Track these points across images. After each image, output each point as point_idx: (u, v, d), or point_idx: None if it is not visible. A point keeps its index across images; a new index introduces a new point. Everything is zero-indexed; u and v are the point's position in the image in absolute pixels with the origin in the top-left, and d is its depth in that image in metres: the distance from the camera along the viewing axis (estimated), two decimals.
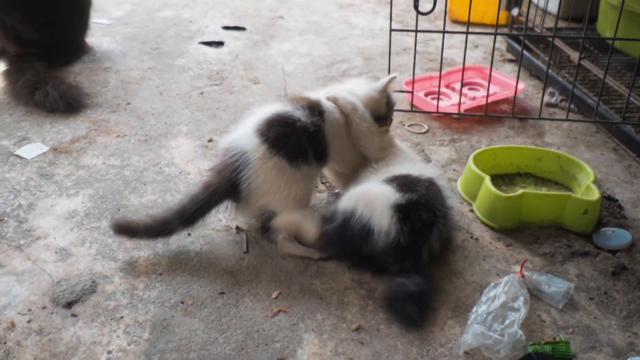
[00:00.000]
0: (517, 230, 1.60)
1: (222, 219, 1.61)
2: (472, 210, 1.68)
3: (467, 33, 1.99)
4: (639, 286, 1.41)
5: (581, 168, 1.72)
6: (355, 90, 1.61)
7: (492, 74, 2.30)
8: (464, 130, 2.15)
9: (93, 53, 2.76)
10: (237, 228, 1.58)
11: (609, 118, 2.08)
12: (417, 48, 2.15)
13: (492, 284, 1.34)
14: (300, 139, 1.42)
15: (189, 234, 1.54)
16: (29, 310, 1.29)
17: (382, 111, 1.63)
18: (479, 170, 1.67)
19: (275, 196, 1.42)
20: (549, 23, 2.81)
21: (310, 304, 1.33)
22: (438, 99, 2.18)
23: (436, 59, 2.79)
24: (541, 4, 2.68)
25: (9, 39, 2.43)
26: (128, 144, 1.98)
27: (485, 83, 2.28)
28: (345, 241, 1.37)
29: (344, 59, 2.78)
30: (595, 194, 1.56)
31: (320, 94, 1.56)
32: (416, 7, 1.94)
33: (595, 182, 1.64)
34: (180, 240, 1.52)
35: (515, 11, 3.01)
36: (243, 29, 3.18)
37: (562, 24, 2.98)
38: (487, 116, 2.18)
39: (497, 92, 2.37)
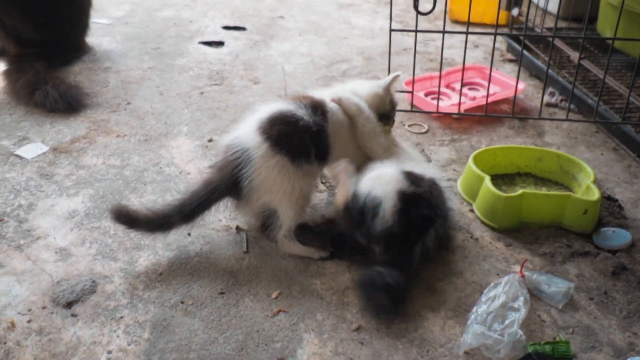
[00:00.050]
0: (517, 230, 1.60)
1: (222, 219, 1.61)
2: (472, 210, 1.68)
3: (467, 33, 1.99)
4: (639, 286, 1.41)
5: (581, 168, 1.72)
6: (359, 89, 1.63)
7: (492, 74, 2.31)
8: (464, 130, 2.15)
9: (93, 53, 2.76)
10: (237, 228, 1.58)
11: (609, 118, 2.08)
12: (417, 48, 2.15)
13: (492, 284, 1.34)
14: (302, 137, 1.43)
15: (189, 234, 1.54)
16: (29, 310, 1.29)
17: (386, 109, 1.65)
18: (479, 170, 1.67)
19: (277, 194, 1.42)
20: (549, 23, 2.81)
21: (310, 304, 1.33)
22: (438, 99, 2.18)
23: (436, 59, 2.79)
24: (541, 4, 2.68)
25: (9, 39, 2.44)
26: (128, 144, 1.99)
27: (485, 83, 2.28)
28: (361, 220, 1.37)
29: (344, 59, 2.78)
30: (595, 194, 1.56)
31: (324, 95, 1.56)
32: (416, 7, 1.94)
33: (595, 182, 1.64)
34: (180, 240, 1.52)
35: (515, 11, 3.01)
36: (243, 29, 3.18)
37: (562, 24, 2.98)
38: (487, 116, 2.18)
39: (497, 92, 2.37)
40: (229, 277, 1.41)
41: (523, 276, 1.38)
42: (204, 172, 1.76)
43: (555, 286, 1.36)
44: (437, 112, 2.18)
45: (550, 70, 2.31)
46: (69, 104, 2.19)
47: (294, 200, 1.43)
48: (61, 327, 1.25)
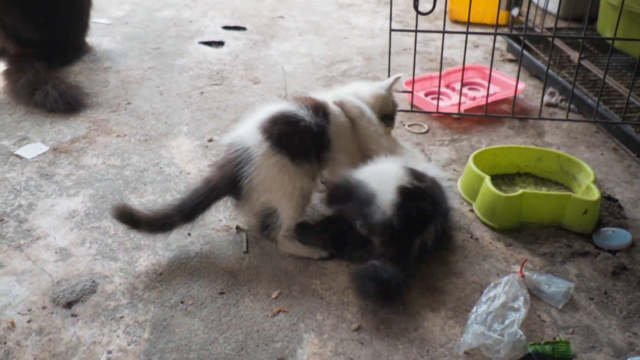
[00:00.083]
0: (517, 230, 1.60)
1: (222, 219, 1.61)
2: (472, 210, 1.68)
3: (467, 33, 1.99)
4: (639, 286, 1.41)
5: (581, 168, 1.72)
6: (361, 91, 1.65)
7: (492, 74, 2.31)
8: (464, 130, 2.15)
9: (93, 53, 2.76)
10: (237, 228, 1.58)
11: (609, 118, 2.08)
12: (417, 48, 2.15)
13: (492, 284, 1.34)
14: (303, 138, 1.43)
15: (189, 234, 1.54)
16: (29, 310, 1.29)
17: (390, 110, 1.68)
18: (479, 170, 1.67)
19: (277, 193, 1.42)
20: (549, 23, 2.81)
21: (310, 304, 1.33)
22: (438, 99, 2.18)
23: (436, 59, 2.79)
24: (541, 4, 2.68)
25: (9, 39, 2.44)
26: (128, 144, 1.99)
27: (485, 83, 2.28)
28: (349, 201, 1.40)
29: (344, 59, 2.78)
30: (595, 194, 1.56)
31: (327, 97, 1.57)
32: (416, 7, 1.94)
33: (595, 182, 1.64)
34: (180, 240, 1.52)
35: (515, 11, 3.01)
36: (243, 28, 3.18)
37: (562, 24, 2.98)
38: (487, 116, 2.18)
39: (497, 92, 2.37)
40: (229, 277, 1.41)
41: (523, 276, 1.38)
42: (205, 171, 1.76)
43: (555, 286, 1.36)
44: (437, 112, 2.18)
45: (550, 70, 2.31)
46: (69, 104, 2.19)
47: (294, 199, 1.43)
48: (61, 327, 1.25)
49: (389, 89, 1.68)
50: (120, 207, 1.40)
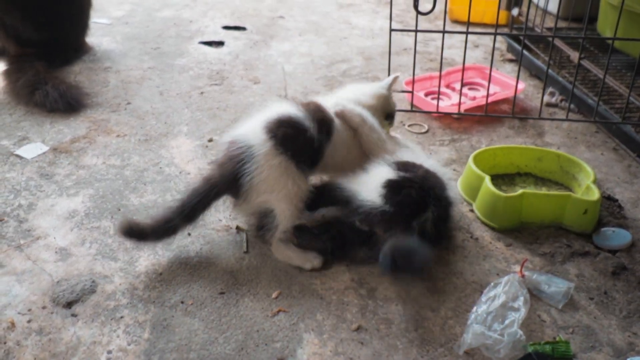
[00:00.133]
0: (517, 230, 1.60)
1: (222, 219, 1.61)
2: (472, 210, 1.68)
3: (467, 33, 1.99)
4: (639, 286, 1.41)
5: (581, 168, 1.72)
6: (363, 92, 1.66)
7: (492, 73, 2.31)
8: (464, 130, 2.15)
9: (93, 53, 2.76)
10: (237, 228, 1.58)
11: (609, 118, 2.08)
12: (417, 48, 2.15)
13: (492, 283, 1.34)
14: (305, 145, 1.45)
15: (189, 234, 1.54)
16: (29, 310, 1.29)
17: (391, 109, 1.70)
18: (479, 170, 1.67)
19: (276, 194, 1.42)
20: (549, 23, 2.81)
21: (310, 304, 1.33)
22: (438, 99, 2.18)
23: (436, 59, 2.79)
24: (541, 4, 2.68)
25: (9, 39, 2.44)
26: (128, 144, 1.99)
27: (485, 83, 2.28)
28: (332, 204, 1.47)
29: (344, 59, 2.78)
30: (595, 194, 1.56)
31: (329, 103, 1.58)
32: (416, 7, 1.94)
33: (595, 182, 1.64)
34: (180, 240, 1.52)
35: (515, 11, 3.01)
36: (243, 28, 3.18)
37: (562, 24, 2.98)
38: (487, 116, 2.18)
39: (497, 92, 2.37)
40: (229, 277, 1.41)
41: (523, 276, 1.38)
42: (205, 170, 1.76)
43: (555, 286, 1.36)
44: (437, 112, 2.18)
45: (550, 70, 2.31)
46: (69, 103, 2.18)
47: (292, 201, 1.43)
48: (61, 327, 1.25)
49: (389, 89, 1.70)
50: (125, 224, 1.39)
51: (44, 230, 1.55)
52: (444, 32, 2.03)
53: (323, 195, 1.50)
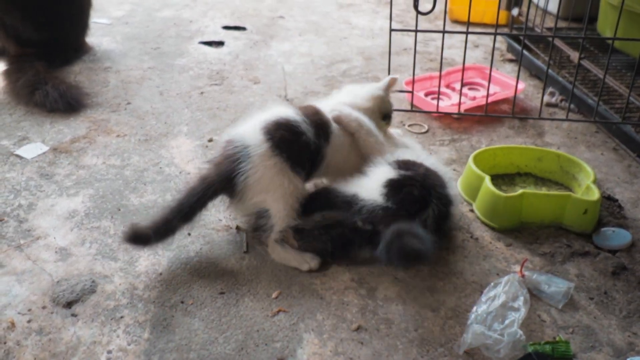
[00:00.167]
0: (517, 230, 1.60)
1: (222, 219, 1.61)
2: (472, 210, 1.68)
3: (467, 33, 1.99)
4: (639, 286, 1.41)
5: (581, 168, 1.72)
6: (359, 94, 1.67)
7: (492, 73, 2.31)
8: (464, 130, 2.15)
9: (93, 53, 2.76)
10: (237, 228, 1.58)
11: (609, 118, 2.08)
12: (417, 48, 2.15)
13: (492, 283, 1.34)
14: (301, 149, 1.47)
15: (189, 234, 1.54)
16: (29, 310, 1.29)
17: (388, 109, 1.71)
18: (479, 170, 1.67)
19: (271, 194, 1.42)
20: (549, 23, 2.80)
21: (310, 304, 1.33)
22: (438, 99, 2.18)
23: (436, 59, 2.79)
24: (541, 4, 2.68)
25: (9, 39, 2.44)
26: (128, 144, 1.99)
27: (485, 83, 2.28)
28: (331, 203, 1.47)
29: (344, 59, 2.78)
30: (595, 194, 1.56)
31: (326, 108, 1.59)
32: (416, 7, 1.94)
33: (595, 182, 1.64)
34: (180, 240, 1.52)
35: (515, 11, 3.01)
36: (243, 28, 3.18)
37: (562, 24, 2.98)
38: (487, 116, 2.18)
39: (497, 92, 2.37)
40: (229, 277, 1.41)
41: (523, 276, 1.38)
42: (202, 166, 1.76)
43: (555, 286, 1.36)
44: (437, 112, 2.18)
45: (550, 70, 2.31)
46: (69, 103, 2.19)
47: (287, 202, 1.43)
48: (61, 327, 1.25)
49: (386, 90, 1.71)
50: (131, 230, 1.38)
51: (44, 230, 1.55)
52: (444, 32, 2.03)
53: (320, 200, 1.51)
